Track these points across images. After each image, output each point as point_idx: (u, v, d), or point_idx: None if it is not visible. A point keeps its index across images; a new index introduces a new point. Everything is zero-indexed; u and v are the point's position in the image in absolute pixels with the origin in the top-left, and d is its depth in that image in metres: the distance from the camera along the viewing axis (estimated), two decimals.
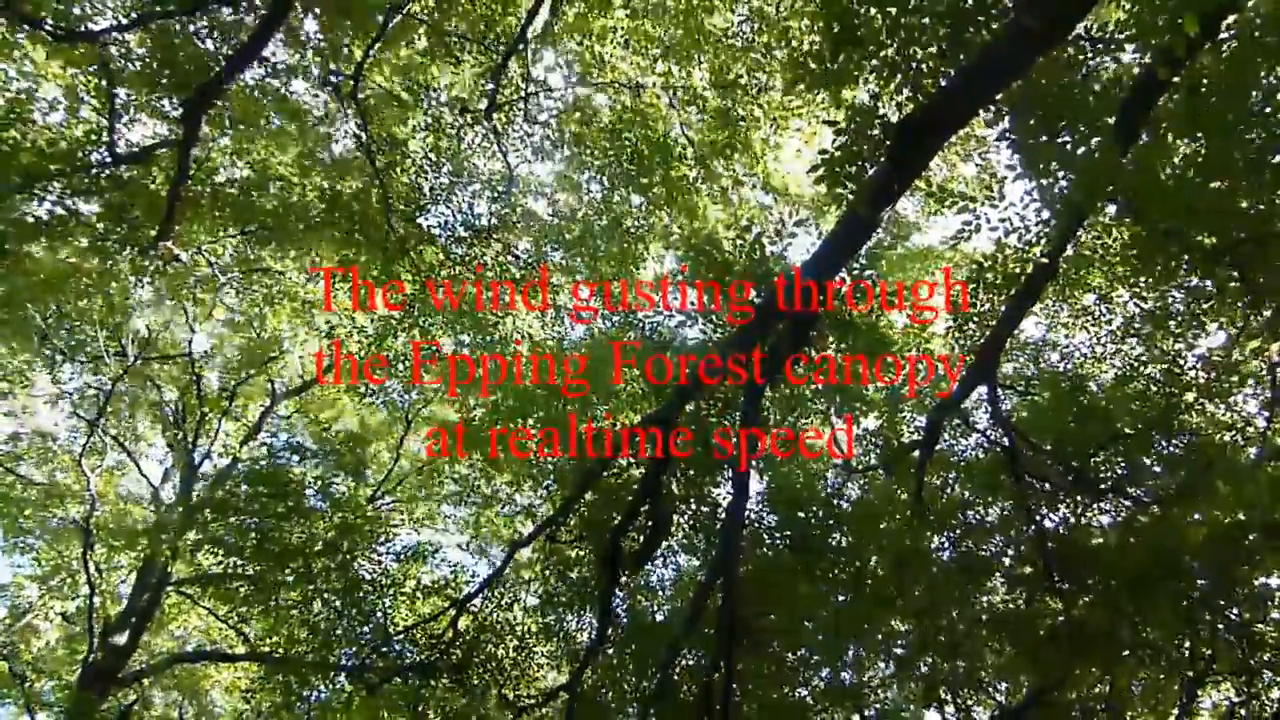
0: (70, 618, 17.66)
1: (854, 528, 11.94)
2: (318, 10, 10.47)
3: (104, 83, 9.78)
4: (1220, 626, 11.35)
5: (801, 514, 11.81)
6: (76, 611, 17.30)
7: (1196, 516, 11.31)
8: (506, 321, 13.29)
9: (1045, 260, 8.57)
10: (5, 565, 17.94)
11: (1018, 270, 9.51)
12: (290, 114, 11.48)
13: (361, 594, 10.57)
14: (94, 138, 10.18)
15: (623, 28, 12.53)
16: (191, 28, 9.81)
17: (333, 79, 11.16)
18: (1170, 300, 11.82)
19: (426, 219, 12.61)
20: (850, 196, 7.11)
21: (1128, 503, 12.19)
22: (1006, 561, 12.54)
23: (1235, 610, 11.43)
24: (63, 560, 16.93)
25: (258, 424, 17.14)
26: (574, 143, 14.02)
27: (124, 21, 9.48)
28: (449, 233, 12.79)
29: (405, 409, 14.88)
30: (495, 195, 13.20)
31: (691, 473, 10.54)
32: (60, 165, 10.09)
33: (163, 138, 10.50)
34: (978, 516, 12.58)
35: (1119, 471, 12.34)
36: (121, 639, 14.69)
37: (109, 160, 9.97)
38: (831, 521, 12.01)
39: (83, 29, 9.73)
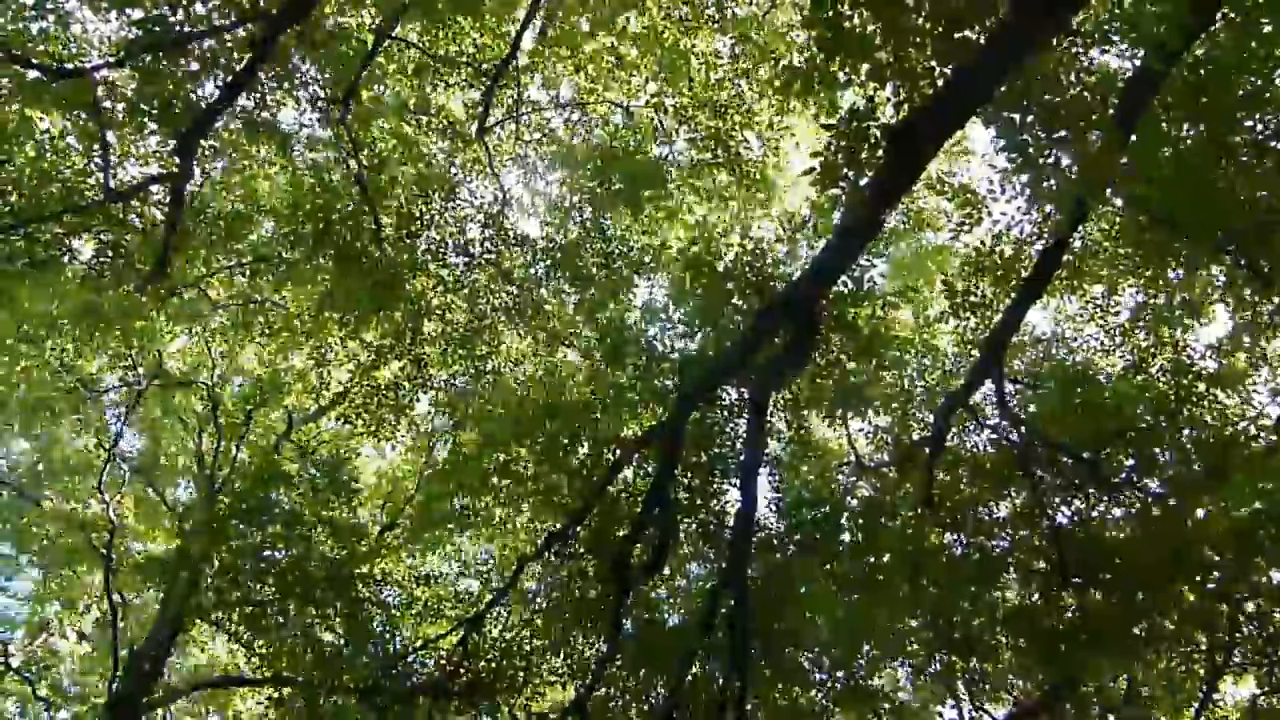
0: (91, 639, 17.75)
1: (863, 526, 11.87)
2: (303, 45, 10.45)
3: (94, 121, 9.75)
4: (1239, 618, 11.21)
5: (810, 513, 11.76)
6: (96, 628, 17.39)
7: (1211, 509, 11.20)
8: (500, 350, 13.32)
9: (1049, 252, 8.50)
10: (28, 587, 17.93)
11: (1019, 261, 9.45)
12: (278, 144, 11.47)
13: (365, 619, 10.55)
14: (85, 176, 10.16)
15: (608, 51, 12.60)
16: (182, 62, 9.80)
17: (321, 105, 11.12)
18: (1177, 289, 11.74)
19: (418, 245, 12.54)
20: (848, 201, 7.08)
21: (1141, 495, 12.09)
22: (1020, 557, 12.45)
23: (1254, 602, 11.29)
24: (86, 586, 17.02)
25: (274, 450, 17.16)
26: (564, 164, 14.09)
27: (111, 59, 9.45)
28: (439, 260, 12.72)
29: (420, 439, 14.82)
30: (487, 220, 13.17)
31: (698, 481, 10.51)
32: (54, 204, 10.06)
33: (150, 175, 10.44)
34: (990, 512, 12.48)
35: (1130, 463, 12.24)
36: (146, 664, 14.71)
37: (102, 198, 9.94)
38: (842, 521, 11.95)
39: (71, 67, 9.71)
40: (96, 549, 15.36)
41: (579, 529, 9.70)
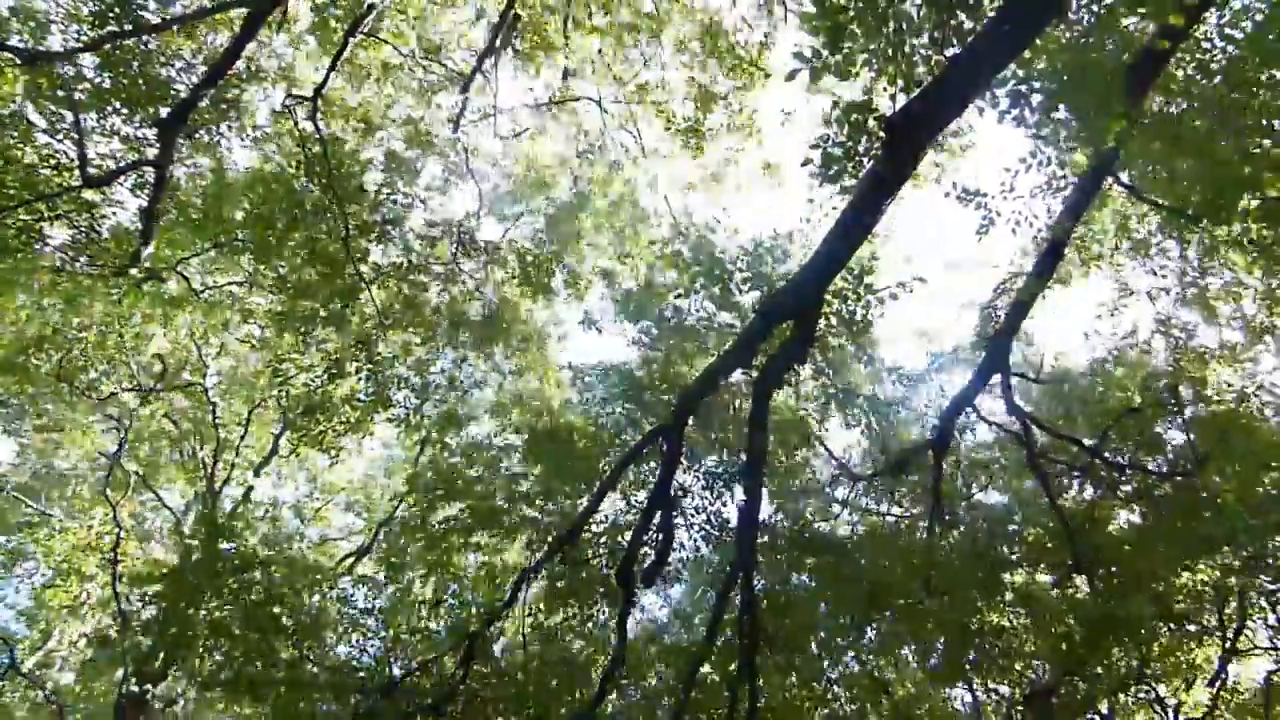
0: (98, 645, 17.70)
1: (866, 541, 11.69)
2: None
3: (70, 107, 9.52)
4: (1251, 596, 11.06)
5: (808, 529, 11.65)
6: (103, 641, 17.32)
7: (1223, 487, 11.04)
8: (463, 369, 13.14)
9: (1054, 246, 8.32)
10: (29, 594, 17.86)
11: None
12: (244, 125, 11.23)
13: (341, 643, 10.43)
14: (56, 160, 9.88)
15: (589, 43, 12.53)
16: (153, 46, 9.59)
17: (289, 101, 10.82)
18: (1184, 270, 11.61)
19: (385, 252, 12.22)
20: (847, 193, 6.90)
21: (1148, 474, 11.99)
22: (1029, 543, 12.29)
23: (1265, 578, 11.12)
24: (90, 592, 16.95)
25: (270, 451, 17.02)
26: (526, 167, 14.00)
27: (82, 43, 9.19)
28: (400, 274, 12.38)
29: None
30: (456, 234, 12.89)
31: (699, 484, 10.34)
32: (27, 190, 9.78)
33: (129, 161, 10.14)
34: (997, 504, 12.34)
35: (1136, 442, 12.12)
36: (153, 666, 14.61)
37: (79, 184, 9.69)
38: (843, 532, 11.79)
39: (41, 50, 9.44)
40: (102, 554, 15.30)
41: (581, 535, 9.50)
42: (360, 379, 12.42)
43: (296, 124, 10.99)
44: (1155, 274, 11.35)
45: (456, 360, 13.35)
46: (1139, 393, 12.10)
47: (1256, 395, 12.03)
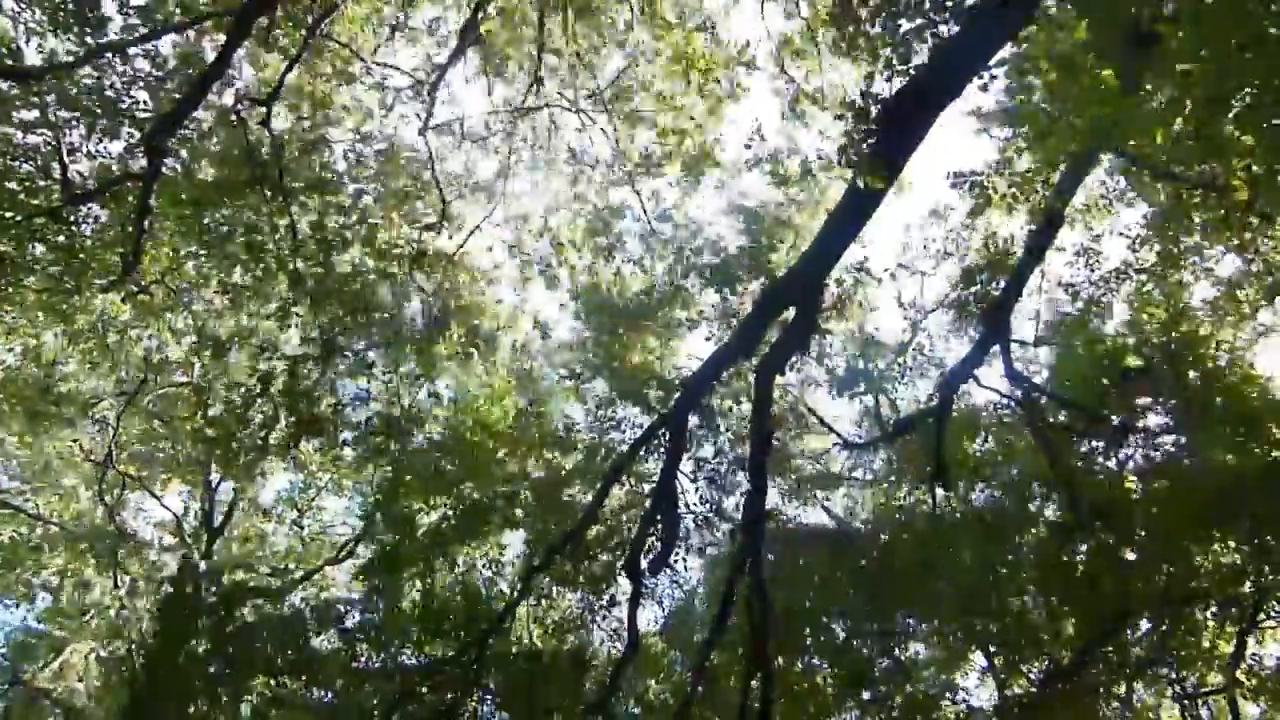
0: (104, 654, 17.65)
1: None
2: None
3: (49, 125, 9.29)
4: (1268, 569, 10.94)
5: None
6: (112, 654, 17.27)
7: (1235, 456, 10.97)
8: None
9: (1051, 218, 8.27)
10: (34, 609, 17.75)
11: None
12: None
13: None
14: (31, 180, 9.64)
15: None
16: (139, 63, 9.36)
17: (241, 105, 10.53)
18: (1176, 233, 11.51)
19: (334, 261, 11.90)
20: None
21: (1150, 440, 11.97)
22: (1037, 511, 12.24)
23: None
24: (93, 601, 16.90)
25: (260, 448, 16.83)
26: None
27: (62, 61, 8.96)
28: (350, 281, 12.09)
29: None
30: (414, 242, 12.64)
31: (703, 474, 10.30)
32: (11, 210, 9.55)
33: (115, 175, 9.90)
34: (1001, 472, 12.30)
35: (1138, 404, 12.08)
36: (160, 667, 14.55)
37: (64, 201, 9.46)
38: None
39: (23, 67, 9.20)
40: (101, 556, 15.18)
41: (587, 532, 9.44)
42: (281, 403, 11.99)
43: (247, 128, 10.65)
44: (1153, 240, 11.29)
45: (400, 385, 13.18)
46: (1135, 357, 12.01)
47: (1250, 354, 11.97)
